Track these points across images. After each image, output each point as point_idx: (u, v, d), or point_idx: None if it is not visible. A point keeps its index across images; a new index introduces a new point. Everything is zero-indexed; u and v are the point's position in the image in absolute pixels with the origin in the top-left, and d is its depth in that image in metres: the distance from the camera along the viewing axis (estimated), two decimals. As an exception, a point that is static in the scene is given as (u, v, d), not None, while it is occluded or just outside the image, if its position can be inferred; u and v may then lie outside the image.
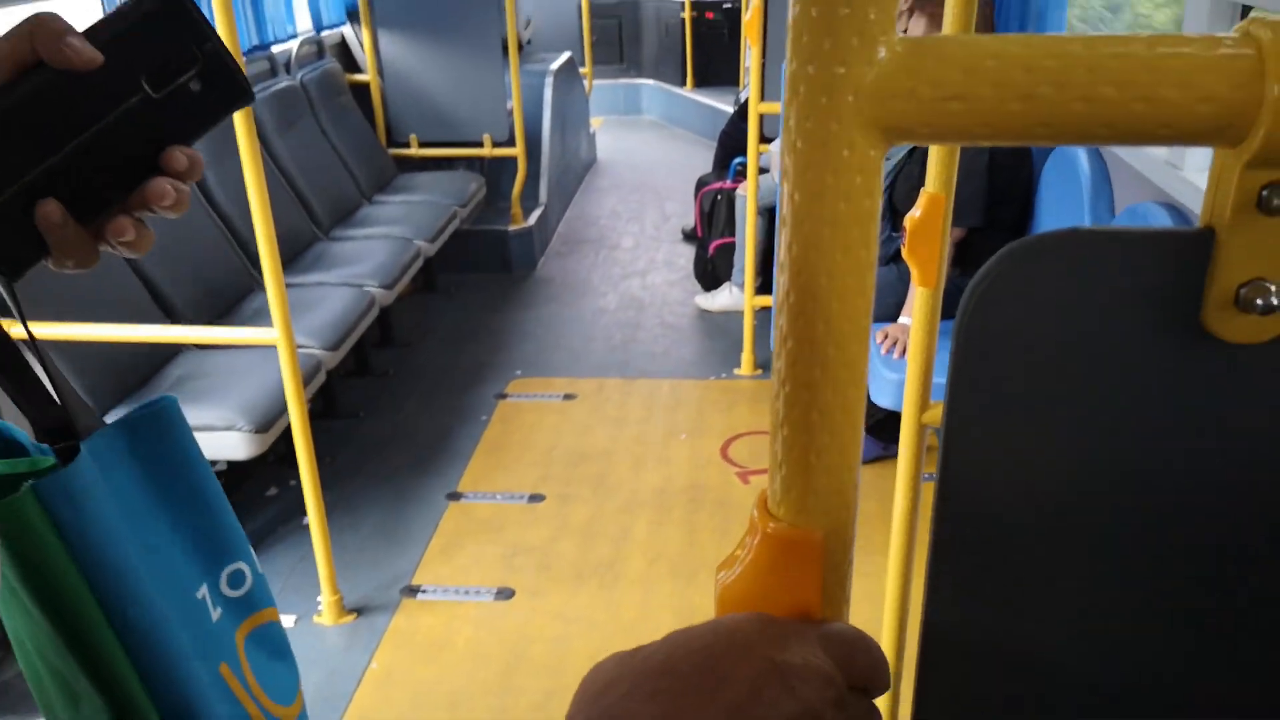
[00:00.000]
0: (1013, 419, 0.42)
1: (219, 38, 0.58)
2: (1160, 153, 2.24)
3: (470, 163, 4.89)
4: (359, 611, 2.52)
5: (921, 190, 1.37)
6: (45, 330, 2.16)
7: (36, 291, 0.85)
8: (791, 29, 0.38)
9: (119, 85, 0.56)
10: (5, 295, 0.59)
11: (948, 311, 1.49)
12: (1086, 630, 0.47)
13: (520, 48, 4.73)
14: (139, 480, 0.70)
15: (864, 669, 0.42)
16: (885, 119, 0.38)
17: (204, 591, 0.73)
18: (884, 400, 2.68)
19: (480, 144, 4.67)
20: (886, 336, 2.77)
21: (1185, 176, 2.09)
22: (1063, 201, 2.70)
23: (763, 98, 3.38)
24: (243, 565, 0.76)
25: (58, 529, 0.63)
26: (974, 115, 0.37)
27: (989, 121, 0.37)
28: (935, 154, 1.36)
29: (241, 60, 2.87)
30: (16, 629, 0.72)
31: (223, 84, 0.58)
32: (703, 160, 6.20)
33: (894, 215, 2.83)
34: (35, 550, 0.63)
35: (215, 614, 0.74)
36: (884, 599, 1.57)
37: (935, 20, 2.66)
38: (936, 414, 1.53)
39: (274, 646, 0.79)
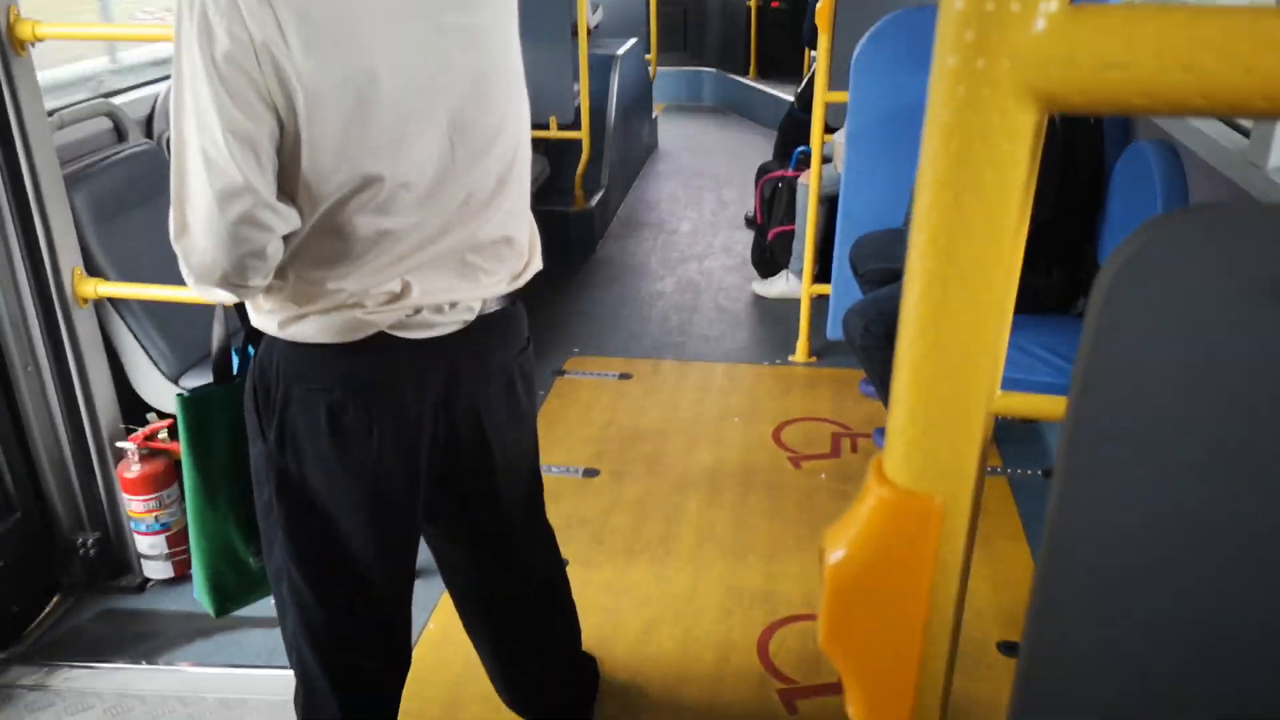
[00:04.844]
0: (1151, 408, 0.40)
1: None
2: (1239, 151, 2.19)
3: (535, 144, 4.91)
4: (417, 574, 2.56)
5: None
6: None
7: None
8: (948, -6, 0.39)
9: None
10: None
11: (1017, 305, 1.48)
12: (1205, 656, 0.45)
13: (589, 33, 4.74)
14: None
15: None
16: (1041, 85, 0.38)
17: None
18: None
19: (546, 126, 4.69)
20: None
21: (1268, 175, 2.05)
22: (1135, 196, 2.65)
23: (829, 87, 3.35)
24: None
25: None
26: (1133, 84, 0.37)
27: (1148, 90, 0.37)
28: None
29: None
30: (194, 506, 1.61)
31: None
32: (762, 149, 6.18)
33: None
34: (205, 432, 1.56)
35: None
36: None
37: None
38: (1003, 404, 1.53)
39: None
